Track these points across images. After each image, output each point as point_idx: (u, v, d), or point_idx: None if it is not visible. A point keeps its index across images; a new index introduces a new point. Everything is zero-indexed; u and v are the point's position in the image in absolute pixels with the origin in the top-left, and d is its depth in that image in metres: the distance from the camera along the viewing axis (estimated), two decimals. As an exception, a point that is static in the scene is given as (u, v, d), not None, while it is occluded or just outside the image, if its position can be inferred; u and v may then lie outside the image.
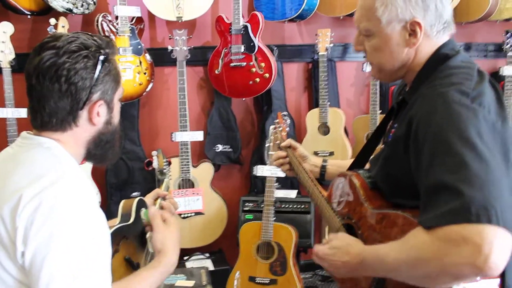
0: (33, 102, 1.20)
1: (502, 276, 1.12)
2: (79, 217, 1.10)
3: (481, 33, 3.54)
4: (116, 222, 1.44)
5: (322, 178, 1.81)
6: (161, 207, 1.54)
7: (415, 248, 1.08)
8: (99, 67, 1.19)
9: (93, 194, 1.16)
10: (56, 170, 1.14)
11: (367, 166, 1.56)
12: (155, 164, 1.79)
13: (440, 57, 1.27)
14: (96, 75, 1.19)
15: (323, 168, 1.82)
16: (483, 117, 1.10)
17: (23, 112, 2.77)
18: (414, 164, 1.17)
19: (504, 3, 3.17)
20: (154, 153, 1.82)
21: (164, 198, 1.61)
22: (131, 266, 1.36)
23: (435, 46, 1.29)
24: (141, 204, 1.49)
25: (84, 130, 1.24)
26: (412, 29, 1.25)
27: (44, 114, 1.19)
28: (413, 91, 1.30)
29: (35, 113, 1.21)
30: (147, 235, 1.46)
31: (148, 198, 1.60)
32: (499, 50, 3.44)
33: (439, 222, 1.03)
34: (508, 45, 3.27)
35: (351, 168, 1.57)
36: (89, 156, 1.29)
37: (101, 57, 1.20)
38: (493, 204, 0.99)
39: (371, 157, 1.55)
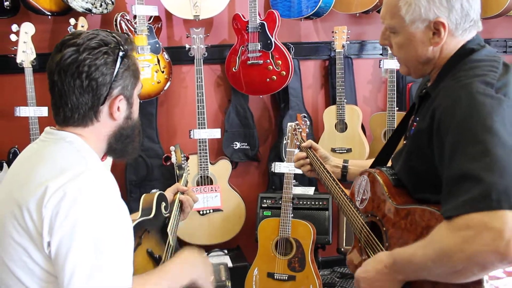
0: (55, 98, 1.23)
1: None
2: (102, 208, 1.12)
3: (500, 29, 3.49)
4: (138, 216, 1.47)
5: (344, 179, 1.81)
6: (181, 202, 1.56)
7: (438, 242, 1.07)
8: (118, 63, 1.22)
9: (116, 187, 1.19)
10: (79, 164, 1.17)
11: (389, 164, 1.56)
12: (173, 159, 1.82)
13: (465, 51, 1.27)
14: (116, 71, 1.21)
15: (344, 168, 1.82)
16: (508, 107, 1.10)
17: (44, 111, 2.82)
18: (438, 155, 1.16)
19: (524, -2, 3.13)
20: (172, 148, 1.84)
21: (183, 193, 1.63)
22: (153, 258, 1.39)
23: (460, 43, 1.28)
24: (162, 198, 1.52)
25: (105, 125, 1.27)
26: (436, 28, 1.25)
27: (67, 109, 1.22)
28: (436, 84, 1.29)
29: (57, 109, 1.24)
30: (168, 228, 1.48)
31: (168, 193, 1.63)
32: (518, 46, 3.41)
33: (460, 211, 1.02)
34: (528, 41, 3.24)
35: (373, 166, 1.56)
36: (110, 150, 1.31)
37: (121, 53, 1.22)
38: None
39: (394, 154, 1.54)
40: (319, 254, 3.05)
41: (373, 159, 1.65)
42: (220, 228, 3.08)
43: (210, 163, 3.05)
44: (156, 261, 1.39)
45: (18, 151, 2.84)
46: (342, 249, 2.90)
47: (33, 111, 2.79)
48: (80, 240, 1.09)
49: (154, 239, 1.44)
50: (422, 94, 1.37)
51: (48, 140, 1.25)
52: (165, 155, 1.84)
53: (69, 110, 1.22)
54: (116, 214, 1.15)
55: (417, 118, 1.36)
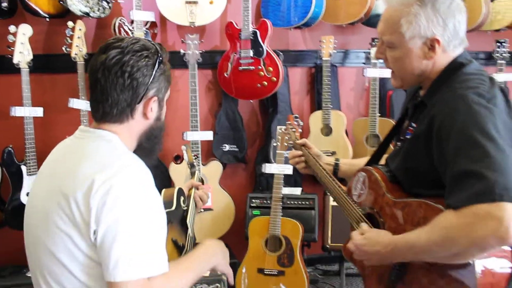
0: (96, 94, 1.34)
1: None
2: (144, 199, 1.24)
3: (473, 42, 3.70)
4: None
5: (335, 175, 1.94)
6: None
7: (445, 228, 1.23)
8: (156, 66, 1.34)
9: (153, 181, 1.31)
10: (122, 159, 1.28)
11: (382, 162, 1.72)
12: (185, 157, 1.94)
13: (456, 65, 1.44)
14: (154, 73, 1.33)
15: (336, 165, 1.96)
16: (498, 115, 1.28)
17: (39, 111, 2.89)
18: (438, 157, 1.33)
19: (495, 15, 3.39)
20: (183, 147, 1.96)
21: (197, 188, 1.76)
22: (177, 247, 1.51)
23: (450, 58, 1.45)
24: (180, 193, 1.65)
25: (138, 123, 1.38)
26: (431, 45, 1.42)
27: (106, 105, 1.32)
28: (431, 94, 1.46)
29: (97, 105, 1.35)
30: (187, 220, 1.61)
31: (184, 188, 1.75)
32: (489, 58, 3.65)
33: (467, 202, 1.19)
34: (498, 54, 3.49)
35: (368, 164, 1.71)
36: (139, 148, 1.42)
37: (159, 59, 1.35)
38: None
39: (388, 154, 1.69)
40: (304, 251, 3.20)
41: (364, 158, 1.82)
42: (210, 227, 3.19)
43: (202, 164, 3.17)
44: (180, 249, 1.52)
45: (12, 150, 2.88)
46: (328, 246, 3.06)
47: (28, 111, 2.84)
48: (125, 229, 1.20)
49: (176, 229, 1.57)
50: (417, 102, 1.53)
51: (86, 138, 1.36)
52: (176, 154, 1.95)
53: (109, 106, 1.32)
54: (155, 205, 1.27)
55: (413, 124, 1.52)
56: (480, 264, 1.25)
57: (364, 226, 1.53)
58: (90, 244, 1.23)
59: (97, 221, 1.20)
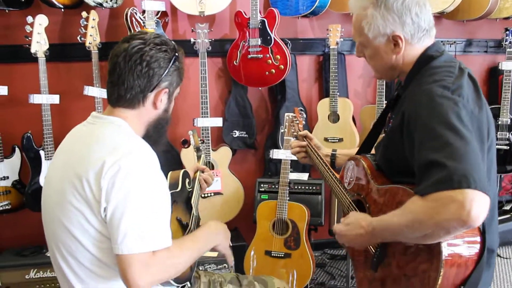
0: (114, 77, 1.44)
1: (483, 238, 1.37)
2: (149, 180, 1.35)
3: (482, 30, 3.76)
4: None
5: (333, 166, 2.05)
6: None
7: (413, 212, 1.31)
8: (172, 62, 1.44)
9: (158, 163, 1.41)
10: (129, 143, 1.39)
11: (373, 151, 1.80)
12: (192, 142, 2.04)
13: (425, 59, 1.51)
14: (169, 67, 1.44)
15: (333, 156, 2.07)
16: (463, 105, 1.34)
17: (56, 98, 3.00)
18: (408, 149, 1.41)
19: (504, 3, 3.39)
20: (190, 132, 2.06)
21: (203, 171, 1.86)
22: (181, 225, 1.61)
23: (420, 50, 1.53)
24: (186, 175, 1.75)
25: (148, 111, 1.49)
26: (395, 41, 1.50)
27: (122, 88, 1.43)
28: (404, 88, 1.55)
29: (113, 88, 1.46)
30: (192, 201, 1.71)
31: (190, 171, 1.85)
32: (498, 46, 3.67)
33: (431, 189, 1.26)
34: (507, 42, 3.50)
35: (358, 153, 1.80)
36: (146, 136, 1.52)
37: (175, 55, 1.45)
38: (471, 173, 1.22)
39: (376, 143, 1.79)
40: (311, 236, 3.29)
41: (357, 148, 1.90)
42: (220, 211, 3.30)
43: (212, 149, 3.27)
44: (184, 227, 1.62)
45: (31, 136, 3.01)
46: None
47: (45, 99, 2.96)
48: (132, 206, 1.30)
49: (181, 209, 1.67)
50: (394, 95, 1.62)
51: (97, 123, 1.46)
52: (183, 139, 2.05)
53: (124, 90, 1.43)
54: (159, 185, 1.38)
55: (393, 116, 1.60)
56: (449, 247, 1.32)
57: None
58: (100, 220, 1.34)
59: (107, 199, 1.31)
